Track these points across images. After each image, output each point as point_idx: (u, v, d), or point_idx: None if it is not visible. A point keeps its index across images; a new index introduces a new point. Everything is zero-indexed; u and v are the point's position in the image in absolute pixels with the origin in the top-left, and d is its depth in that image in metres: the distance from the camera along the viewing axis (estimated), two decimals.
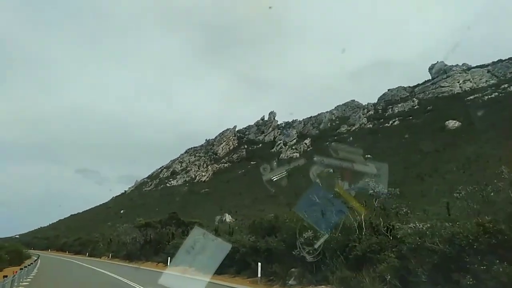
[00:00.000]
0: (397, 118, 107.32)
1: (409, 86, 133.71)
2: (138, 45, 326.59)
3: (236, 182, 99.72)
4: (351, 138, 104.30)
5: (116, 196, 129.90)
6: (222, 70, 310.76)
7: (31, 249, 70.94)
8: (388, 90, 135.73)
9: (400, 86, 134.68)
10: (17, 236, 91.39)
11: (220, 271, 18.73)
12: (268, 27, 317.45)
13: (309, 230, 10.20)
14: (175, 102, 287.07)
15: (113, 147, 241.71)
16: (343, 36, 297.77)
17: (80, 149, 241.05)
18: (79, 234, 66.58)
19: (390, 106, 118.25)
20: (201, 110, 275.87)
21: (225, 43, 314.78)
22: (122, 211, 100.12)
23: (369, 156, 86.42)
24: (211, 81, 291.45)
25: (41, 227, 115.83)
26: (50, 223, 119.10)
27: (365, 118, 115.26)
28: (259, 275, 16.20)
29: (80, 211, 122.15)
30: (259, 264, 16.37)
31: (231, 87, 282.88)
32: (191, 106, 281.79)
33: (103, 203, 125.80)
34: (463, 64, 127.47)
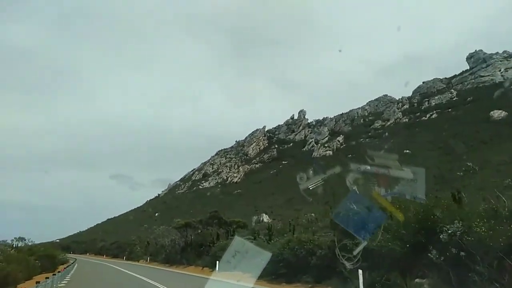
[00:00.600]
0: (435, 111, 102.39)
1: (445, 78, 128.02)
2: (168, 51, 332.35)
3: (268, 183, 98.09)
4: (386, 134, 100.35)
5: (150, 200, 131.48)
6: (250, 71, 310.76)
7: (70, 253, 71.98)
8: (423, 82, 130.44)
9: (436, 78, 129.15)
10: (57, 240, 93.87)
11: (290, 279, 16.83)
12: (295, 27, 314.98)
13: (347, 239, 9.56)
14: (204, 106, 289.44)
15: (145, 152, 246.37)
16: (371, 32, 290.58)
17: (114, 155, 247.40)
18: (115, 238, 67.02)
19: (427, 99, 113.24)
20: (230, 112, 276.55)
21: (252, 45, 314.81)
22: (156, 214, 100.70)
23: (407, 151, 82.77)
24: (239, 83, 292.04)
25: (80, 231, 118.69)
26: (88, 227, 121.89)
27: (400, 113, 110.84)
28: (361, 286, 12.64)
29: (116, 215, 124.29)
30: (360, 271, 12.53)
31: (259, 88, 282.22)
32: (220, 109, 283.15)
33: (137, 207, 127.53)
34: (504, 52, 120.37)
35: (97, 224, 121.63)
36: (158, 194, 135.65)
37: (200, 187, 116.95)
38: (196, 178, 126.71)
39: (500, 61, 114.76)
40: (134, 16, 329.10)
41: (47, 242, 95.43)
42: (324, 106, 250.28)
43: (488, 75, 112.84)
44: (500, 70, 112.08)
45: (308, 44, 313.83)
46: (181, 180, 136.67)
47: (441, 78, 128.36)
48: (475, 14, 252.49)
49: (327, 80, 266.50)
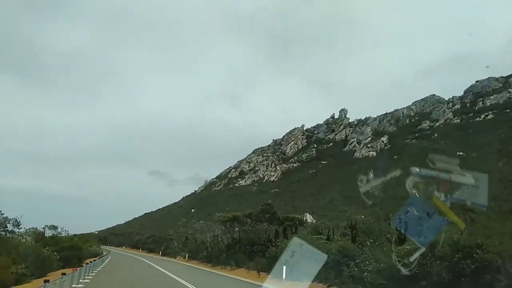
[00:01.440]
0: (490, 112, 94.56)
1: (502, 77, 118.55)
2: (207, 51, 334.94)
3: (307, 182, 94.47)
4: (436, 135, 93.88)
5: (187, 196, 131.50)
6: (288, 71, 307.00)
7: (107, 245, 72.00)
8: (476, 81, 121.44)
9: (491, 77, 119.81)
10: (96, 232, 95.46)
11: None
12: (335, 26, 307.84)
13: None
14: (242, 105, 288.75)
15: (182, 150, 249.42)
16: (415, 32, 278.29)
17: (153, 153, 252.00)
18: (152, 232, 66.19)
19: (481, 99, 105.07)
20: (267, 112, 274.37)
21: (291, 44, 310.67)
22: (193, 210, 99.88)
23: (461, 153, 76.51)
24: (277, 83, 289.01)
25: (118, 224, 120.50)
26: (126, 221, 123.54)
27: (451, 113, 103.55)
28: None
29: (153, 210, 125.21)
30: None
31: (298, 87, 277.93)
32: (258, 108, 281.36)
33: (174, 202, 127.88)
34: None
35: (134, 218, 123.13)
36: (195, 190, 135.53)
37: (236, 185, 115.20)
38: (232, 176, 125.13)
39: None
40: (175, 16, 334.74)
41: (86, 233, 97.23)
42: (365, 106, 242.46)
43: None
44: None
45: (348, 43, 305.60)
46: (218, 177, 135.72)
47: (496, 77, 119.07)
48: None
49: (368, 80, 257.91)
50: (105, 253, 36.88)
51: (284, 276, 15.76)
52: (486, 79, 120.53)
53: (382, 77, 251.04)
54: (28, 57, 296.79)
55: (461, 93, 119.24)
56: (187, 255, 38.20)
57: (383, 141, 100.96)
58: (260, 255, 24.11)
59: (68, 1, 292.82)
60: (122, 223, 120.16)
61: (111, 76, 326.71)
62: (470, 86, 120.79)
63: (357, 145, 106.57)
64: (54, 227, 32.29)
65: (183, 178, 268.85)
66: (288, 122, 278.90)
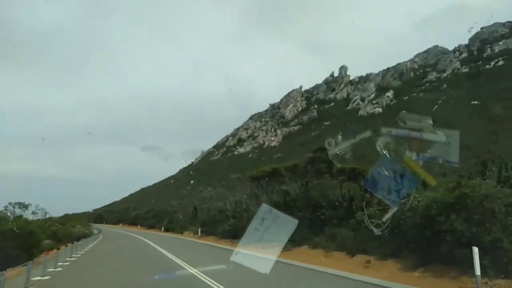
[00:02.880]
0: (501, 58, 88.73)
1: (508, 21, 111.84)
2: (192, 19, 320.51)
3: (311, 145, 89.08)
4: (444, 86, 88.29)
5: (183, 168, 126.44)
6: (281, 34, 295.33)
7: (103, 223, 66.83)
8: (482, 28, 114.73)
9: (497, 22, 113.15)
10: (91, 211, 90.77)
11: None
12: None
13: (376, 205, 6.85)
14: (232, 72, 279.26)
15: (175, 123, 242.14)
16: None
17: (144, 128, 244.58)
18: (150, 206, 61.09)
19: (489, 46, 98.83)
20: (260, 77, 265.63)
21: (281, 6, 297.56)
22: (192, 182, 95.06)
23: (476, 102, 71.33)
24: (268, 48, 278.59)
25: (114, 201, 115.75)
26: (122, 197, 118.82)
27: (458, 62, 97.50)
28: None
29: (150, 184, 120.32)
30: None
31: (292, 50, 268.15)
32: (250, 75, 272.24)
33: (171, 175, 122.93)
34: None
35: (130, 194, 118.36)
36: (192, 162, 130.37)
37: (235, 152, 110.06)
38: (230, 144, 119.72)
39: None
40: None
41: (79, 212, 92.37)
42: (365, 63, 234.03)
43: None
44: None
45: (341, 1, 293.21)
46: (215, 146, 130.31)
47: (502, 22, 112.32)
48: None
49: (365, 37, 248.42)
50: (94, 233, 31.57)
51: None
52: (492, 25, 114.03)
53: (380, 32, 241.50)
54: (5, 35, 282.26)
55: (465, 42, 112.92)
56: (199, 230, 31.26)
57: (388, 96, 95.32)
58: (336, 223, 17.46)
59: None
60: (118, 200, 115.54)
61: (99, 52, 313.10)
62: (475, 34, 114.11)
63: (360, 102, 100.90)
64: (24, 206, 26.39)
65: (178, 152, 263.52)
66: (282, 85, 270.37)
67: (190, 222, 32.86)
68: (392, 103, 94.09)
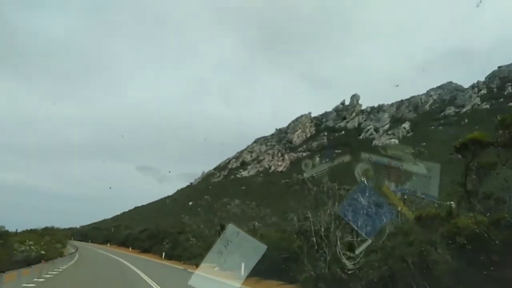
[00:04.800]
0: None
1: None
2: (197, 44, 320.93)
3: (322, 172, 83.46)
4: (466, 121, 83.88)
5: (182, 189, 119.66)
6: (284, 65, 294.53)
7: (89, 242, 59.81)
8: (499, 67, 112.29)
9: None
10: (78, 227, 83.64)
11: None
12: (333, 22, 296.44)
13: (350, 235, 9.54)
14: (234, 99, 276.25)
15: (172, 145, 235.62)
16: (414, 27, 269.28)
17: (141, 147, 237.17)
18: (144, 226, 54.23)
19: (510, 84, 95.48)
20: (259, 105, 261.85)
21: (285, 38, 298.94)
22: (190, 203, 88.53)
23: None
24: (272, 77, 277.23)
25: (104, 219, 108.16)
26: (114, 215, 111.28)
27: (478, 98, 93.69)
28: None
29: (145, 204, 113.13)
30: None
31: (292, 81, 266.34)
32: (254, 100, 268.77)
33: (168, 196, 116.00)
34: None
35: (123, 212, 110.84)
36: (191, 182, 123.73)
37: (238, 175, 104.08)
38: (233, 167, 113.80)
39: None
40: (165, 8, 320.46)
41: (67, 228, 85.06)
42: (376, 94, 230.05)
43: None
44: None
45: (344, 38, 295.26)
46: (216, 168, 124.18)
47: None
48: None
49: (375, 72, 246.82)
50: (67, 254, 24.51)
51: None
52: (509, 64, 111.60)
53: (391, 66, 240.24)
54: (10, 45, 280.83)
55: (475, 80, 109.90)
56: (243, 266, 17.72)
57: (404, 128, 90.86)
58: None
59: None
60: (109, 217, 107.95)
61: (98, 68, 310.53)
62: (492, 72, 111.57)
63: (374, 132, 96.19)
64: None
65: (174, 173, 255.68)
66: (288, 111, 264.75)
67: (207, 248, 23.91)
68: (408, 134, 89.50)
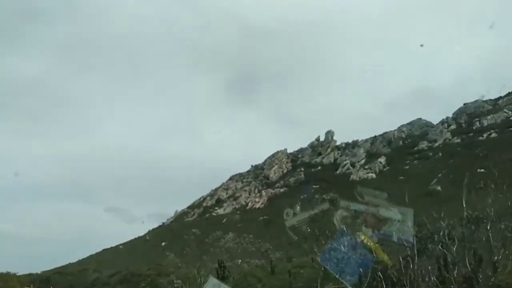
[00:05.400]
0: (493, 130, 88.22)
1: (490, 99, 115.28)
2: (168, 84, 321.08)
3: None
4: (440, 154, 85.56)
5: (154, 229, 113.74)
6: (253, 105, 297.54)
7: None
8: (464, 104, 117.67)
9: (479, 100, 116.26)
10: (38, 272, 76.34)
11: None
12: (294, 63, 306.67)
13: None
14: (204, 140, 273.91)
15: (142, 185, 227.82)
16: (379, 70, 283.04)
17: (109, 187, 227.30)
18: (115, 269, 49.67)
19: (477, 119, 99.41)
20: (235, 144, 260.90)
21: (254, 79, 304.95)
22: (163, 243, 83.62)
23: (482, 170, 67.59)
24: (245, 116, 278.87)
25: (69, 263, 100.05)
26: (79, 258, 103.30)
27: (449, 133, 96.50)
28: None
29: (113, 245, 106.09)
30: None
31: (262, 121, 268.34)
32: (225, 141, 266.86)
33: (139, 237, 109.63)
34: None
35: (90, 255, 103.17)
36: (163, 222, 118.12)
37: (213, 214, 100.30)
38: (208, 204, 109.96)
39: None
40: (135, 48, 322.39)
41: (26, 274, 77.37)
42: (349, 131, 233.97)
43: None
44: None
45: (313, 80, 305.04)
46: (190, 207, 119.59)
47: (485, 99, 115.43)
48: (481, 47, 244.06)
49: (347, 111, 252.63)
50: None
51: None
52: (473, 101, 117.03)
53: (362, 105, 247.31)
54: None
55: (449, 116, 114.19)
56: None
57: (381, 162, 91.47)
58: None
59: (24, 30, 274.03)
60: (74, 261, 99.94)
61: (67, 107, 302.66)
62: (458, 108, 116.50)
63: (351, 167, 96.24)
64: None
65: (144, 215, 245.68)
66: (258, 150, 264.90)
67: None
68: (385, 169, 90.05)
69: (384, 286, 10.87)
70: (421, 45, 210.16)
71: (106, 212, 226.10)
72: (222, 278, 19.20)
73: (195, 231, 55.37)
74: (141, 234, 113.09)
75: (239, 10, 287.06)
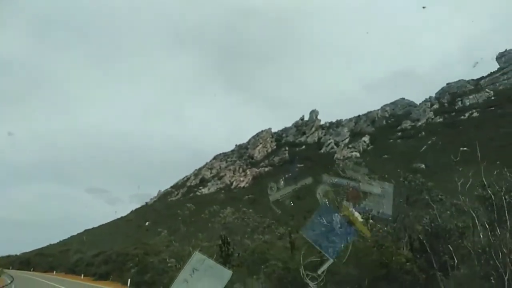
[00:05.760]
0: (474, 110, 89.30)
1: (472, 79, 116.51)
2: (150, 63, 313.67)
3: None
4: (423, 133, 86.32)
5: (137, 209, 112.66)
6: (236, 86, 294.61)
7: (31, 270, 52.97)
8: (447, 84, 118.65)
9: (462, 79, 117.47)
10: (17, 254, 74.64)
11: None
12: (278, 44, 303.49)
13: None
14: (187, 121, 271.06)
15: (124, 167, 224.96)
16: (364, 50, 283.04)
17: (91, 169, 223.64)
18: (99, 249, 48.54)
19: (459, 99, 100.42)
20: (218, 124, 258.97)
21: (237, 59, 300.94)
22: (147, 223, 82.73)
23: (465, 148, 68.48)
24: (226, 98, 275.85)
25: (50, 244, 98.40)
26: (61, 239, 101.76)
27: (431, 112, 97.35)
28: None
29: (96, 226, 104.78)
30: None
31: (252, 101, 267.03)
32: (205, 123, 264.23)
33: (121, 217, 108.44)
34: None
35: (71, 236, 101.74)
36: (146, 202, 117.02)
37: (198, 193, 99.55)
38: (192, 184, 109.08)
39: None
40: (118, 26, 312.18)
41: (6, 255, 75.71)
42: (333, 110, 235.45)
43: None
44: None
45: (302, 59, 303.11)
46: (173, 186, 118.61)
47: (467, 79, 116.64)
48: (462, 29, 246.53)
49: (330, 92, 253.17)
50: None
51: None
52: (456, 81, 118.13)
53: (346, 83, 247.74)
54: None
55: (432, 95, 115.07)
56: None
57: (364, 141, 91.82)
58: None
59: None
60: (55, 242, 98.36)
61: (47, 88, 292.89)
62: (441, 88, 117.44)
63: (335, 146, 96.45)
64: None
65: (125, 196, 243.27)
66: (242, 130, 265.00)
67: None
68: (369, 148, 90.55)
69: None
70: (423, 7, 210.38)
71: (87, 193, 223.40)
72: (227, 256, 18.29)
73: (190, 205, 54.12)
74: (124, 214, 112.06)
75: None
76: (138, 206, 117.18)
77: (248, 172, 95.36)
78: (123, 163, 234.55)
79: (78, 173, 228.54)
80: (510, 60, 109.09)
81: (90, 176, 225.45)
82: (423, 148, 73.91)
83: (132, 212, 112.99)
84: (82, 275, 41.55)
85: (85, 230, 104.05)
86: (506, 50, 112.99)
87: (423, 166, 63.58)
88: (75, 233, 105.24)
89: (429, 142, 79.39)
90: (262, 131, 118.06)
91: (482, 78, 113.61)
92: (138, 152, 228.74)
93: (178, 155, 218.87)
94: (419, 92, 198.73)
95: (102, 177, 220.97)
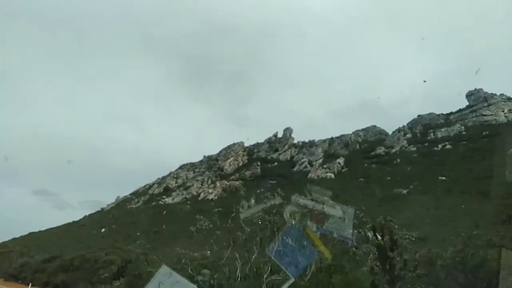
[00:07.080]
0: (447, 142, 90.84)
1: (442, 114, 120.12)
2: (115, 67, 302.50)
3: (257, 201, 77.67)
4: (398, 160, 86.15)
5: (91, 214, 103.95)
6: (204, 101, 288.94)
7: None
8: (418, 116, 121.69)
9: (432, 113, 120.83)
10: None
11: None
12: (250, 63, 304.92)
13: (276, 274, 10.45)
14: (151, 130, 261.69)
15: (77, 171, 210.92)
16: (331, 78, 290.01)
17: (39, 170, 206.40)
18: (48, 254, 41.96)
19: (432, 130, 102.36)
20: (185, 136, 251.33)
21: (206, 74, 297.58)
22: (103, 230, 75.50)
23: (443, 178, 68.27)
24: (193, 111, 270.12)
25: None
26: (1, 241, 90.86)
27: (405, 141, 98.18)
28: None
29: (43, 229, 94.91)
30: None
31: (213, 118, 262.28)
32: (170, 132, 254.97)
33: (73, 222, 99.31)
34: (501, 95, 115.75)
35: (13, 238, 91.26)
36: (102, 208, 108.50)
37: (161, 202, 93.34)
38: (155, 192, 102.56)
39: (504, 101, 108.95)
40: (84, 28, 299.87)
41: None
42: (302, 132, 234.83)
43: (491, 114, 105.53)
44: (503, 111, 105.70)
45: (272, 80, 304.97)
46: (134, 194, 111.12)
47: (437, 113, 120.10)
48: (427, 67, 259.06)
49: (300, 115, 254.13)
50: None
51: None
52: (427, 114, 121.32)
53: (308, 112, 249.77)
54: None
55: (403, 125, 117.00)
56: None
57: (339, 163, 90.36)
58: None
59: None
60: None
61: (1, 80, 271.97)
62: (413, 119, 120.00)
63: (308, 165, 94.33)
64: None
65: (75, 201, 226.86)
66: (211, 143, 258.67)
67: None
68: (343, 170, 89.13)
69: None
70: (423, 38, 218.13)
71: (33, 195, 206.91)
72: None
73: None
74: (76, 219, 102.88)
75: (200, 1, 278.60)
76: (91, 212, 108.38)
77: (218, 184, 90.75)
78: (77, 167, 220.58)
79: (25, 172, 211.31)
80: (478, 98, 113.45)
81: (38, 177, 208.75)
82: (402, 176, 73.04)
83: (85, 217, 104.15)
84: (30, 284, 34.77)
85: (30, 233, 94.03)
86: (475, 88, 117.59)
87: (405, 192, 62.33)
88: (17, 236, 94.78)
89: (407, 169, 79.03)
90: (234, 143, 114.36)
91: (452, 113, 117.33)
92: (95, 158, 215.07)
93: (139, 163, 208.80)
94: (387, 121, 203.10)
95: (51, 179, 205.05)
